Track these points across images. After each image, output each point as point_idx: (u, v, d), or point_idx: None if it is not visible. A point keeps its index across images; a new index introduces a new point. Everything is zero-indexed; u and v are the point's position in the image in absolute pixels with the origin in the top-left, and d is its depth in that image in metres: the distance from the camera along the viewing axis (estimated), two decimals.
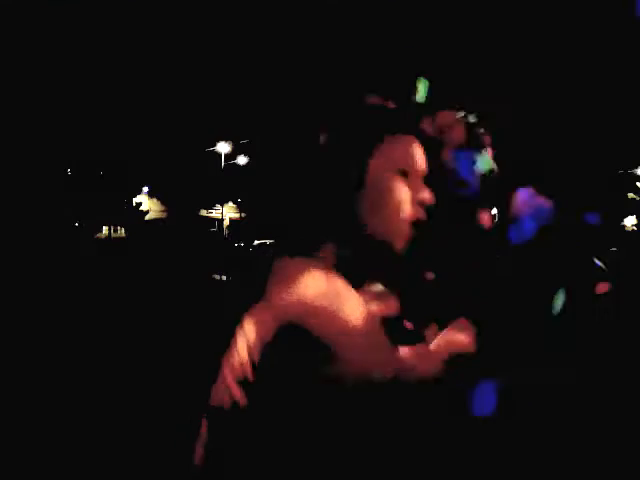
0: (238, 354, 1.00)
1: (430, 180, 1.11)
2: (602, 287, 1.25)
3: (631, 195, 33.31)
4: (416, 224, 1.08)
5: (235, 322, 1.07)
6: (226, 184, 41.37)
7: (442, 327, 1.13)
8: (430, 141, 1.16)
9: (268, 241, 31.43)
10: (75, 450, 3.71)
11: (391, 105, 1.11)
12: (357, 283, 1.05)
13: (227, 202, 44.88)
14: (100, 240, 32.73)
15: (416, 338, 1.11)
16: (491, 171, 1.18)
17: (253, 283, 1.10)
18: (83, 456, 3.62)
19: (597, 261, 1.28)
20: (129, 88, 34.16)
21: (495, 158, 1.20)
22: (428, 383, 1.07)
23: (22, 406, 4.47)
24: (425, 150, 1.11)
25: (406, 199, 1.08)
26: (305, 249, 1.09)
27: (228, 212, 46.15)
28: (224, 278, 15.47)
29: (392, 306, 1.10)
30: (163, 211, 42.95)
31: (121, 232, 37.66)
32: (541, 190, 1.33)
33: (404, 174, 1.08)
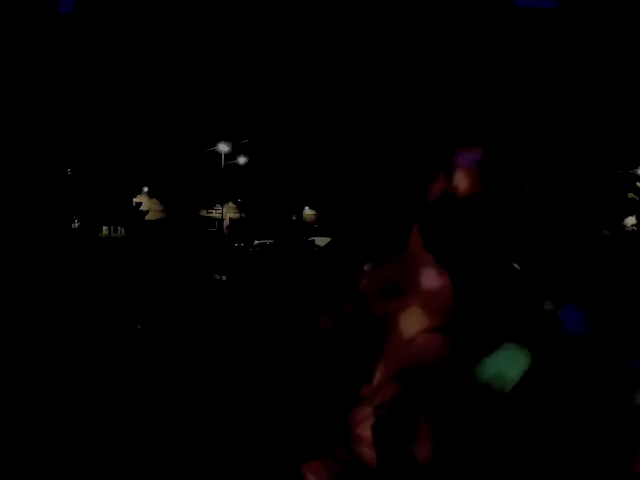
0: None
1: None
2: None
3: (631, 195, 33.33)
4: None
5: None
6: (226, 184, 41.38)
7: None
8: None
9: (268, 241, 31.44)
10: (74, 450, 3.71)
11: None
12: None
13: (227, 202, 44.90)
14: (100, 240, 32.76)
15: None
16: None
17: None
18: (82, 456, 3.62)
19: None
20: (129, 88, 34.19)
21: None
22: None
23: (22, 406, 4.47)
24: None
25: None
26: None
27: (228, 212, 46.17)
28: (224, 278, 15.46)
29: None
30: (163, 211, 42.97)
31: (121, 232, 37.70)
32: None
33: None
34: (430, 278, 1.09)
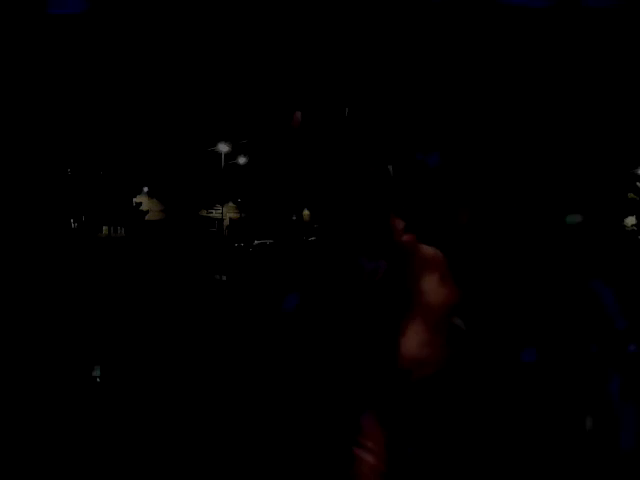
0: None
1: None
2: None
3: (631, 195, 33.39)
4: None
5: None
6: (226, 184, 41.42)
7: None
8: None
9: (268, 241, 31.47)
10: (74, 450, 3.71)
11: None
12: None
13: (227, 202, 44.93)
14: (100, 240, 32.79)
15: None
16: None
17: None
18: (82, 456, 3.62)
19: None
20: (129, 88, 34.18)
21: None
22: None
23: (21, 406, 4.47)
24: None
25: None
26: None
27: (228, 212, 46.20)
28: (224, 278, 15.48)
29: None
30: (163, 211, 43.00)
31: (121, 232, 37.70)
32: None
33: None
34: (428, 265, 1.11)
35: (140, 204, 37.26)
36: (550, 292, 1.13)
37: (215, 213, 46.67)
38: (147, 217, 37.93)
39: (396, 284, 1.02)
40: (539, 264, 1.13)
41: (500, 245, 1.13)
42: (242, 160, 43.54)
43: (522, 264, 1.13)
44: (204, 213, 47.39)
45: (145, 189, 42.39)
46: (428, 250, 1.06)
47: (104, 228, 35.49)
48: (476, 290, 1.07)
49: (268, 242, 30.92)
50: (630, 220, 33.76)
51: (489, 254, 1.11)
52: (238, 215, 48.53)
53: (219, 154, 40.85)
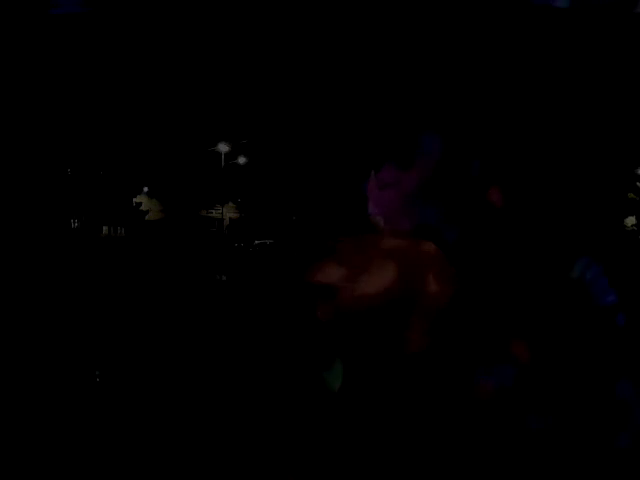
0: None
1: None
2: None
3: (631, 195, 33.30)
4: None
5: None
6: (226, 184, 41.38)
7: None
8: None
9: (268, 241, 31.47)
10: (74, 451, 3.71)
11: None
12: None
13: (227, 202, 44.89)
14: (100, 240, 32.76)
15: None
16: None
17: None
18: (82, 457, 3.62)
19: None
20: (129, 88, 34.15)
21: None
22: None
23: (22, 406, 4.46)
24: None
25: None
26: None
27: (228, 212, 46.14)
28: (224, 278, 15.48)
29: None
30: (163, 211, 42.99)
31: (121, 232, 37.69)
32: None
33: None
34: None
35: (140, 204, 37.25)
36: (548, 288, 1.12)
37: (215, 213, 46.67)
38: (147, 217, 37.92)
39: (394, 280, 1.01)
40: (537, 261, 1.13)
41: (499, 243, 1.13)
42: (242, 160, 43.56)
43: (520, 262, 1.12)
44: (204, 213, 47.39)
45: (145, 189, 42.41)
46: (426, 246, 1.05)
47: (104, 228, 35.48)
48: (474, 287, 1.06)
49: (268, 242, 30.93)
50: (630, 220, 33.74)
51: (488, 251, 1.10)
52: (238, 215, 48.52)
53: (219, 154, 40.87)
